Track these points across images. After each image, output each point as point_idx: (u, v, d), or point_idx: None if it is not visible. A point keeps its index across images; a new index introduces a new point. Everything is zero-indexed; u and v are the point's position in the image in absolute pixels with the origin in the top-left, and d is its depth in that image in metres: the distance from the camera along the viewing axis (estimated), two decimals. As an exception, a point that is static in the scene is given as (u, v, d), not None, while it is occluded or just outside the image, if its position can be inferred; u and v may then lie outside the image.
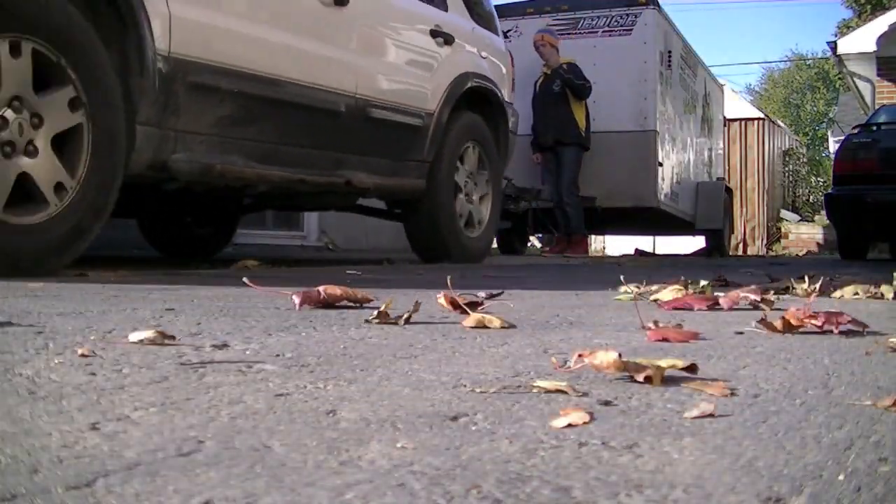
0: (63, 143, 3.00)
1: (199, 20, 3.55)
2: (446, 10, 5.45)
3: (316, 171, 4.36)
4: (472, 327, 1.82)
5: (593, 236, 16.44)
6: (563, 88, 8.54)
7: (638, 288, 2.86)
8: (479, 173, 5.68)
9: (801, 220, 19.89)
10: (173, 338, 1.49)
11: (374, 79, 4.65)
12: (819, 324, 1.79)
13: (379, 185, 4.80)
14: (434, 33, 5.17)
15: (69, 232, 2.99)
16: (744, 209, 19.10)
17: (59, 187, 2.97)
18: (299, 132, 4.23)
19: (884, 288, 2.89)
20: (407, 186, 5.03)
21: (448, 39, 5.27)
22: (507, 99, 5.97)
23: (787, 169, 22.05)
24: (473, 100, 5.51)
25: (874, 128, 9.00)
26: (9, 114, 2.85)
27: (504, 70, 6.02)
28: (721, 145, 14.17)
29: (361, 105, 4.52)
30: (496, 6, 6.72)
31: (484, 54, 5.72)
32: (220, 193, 4.55)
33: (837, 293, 2.92)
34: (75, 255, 3.07)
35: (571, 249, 8.94)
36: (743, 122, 19.63)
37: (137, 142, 3.35)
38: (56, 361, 1.26)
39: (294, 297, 2.09)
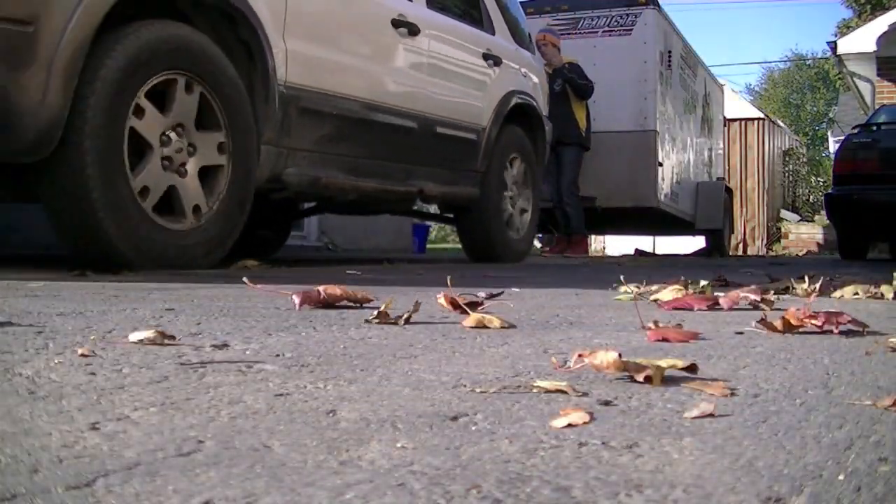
0: (206, 174, 3.62)
1: (308, 53, 4.16)
2: (494, 33, 6.07)
3: (395, 181, 5.00)
4: (472, 327, 1.82)
5: (593, 236, 16.44)
6: (564, 88, 8.52)
7: (638, 288, 2.86)
8: (521, 181, 6.29)
9: (801, 220, 19.88)
10: (173, 338, 1.49)
11: (439, 99, 5.26)
12: (819, 324, 1.79)
13: (443, 193, 5.46)
14: (486, 56, 5.80)
15: (210, 240, 3.61)
16: (744, 209, 19.10)
17: (196, 209, 3.57)
18: (381, 147, 4.84)
19: (884, 288, 2.89)
20: (464, 194, 5.66)
21: (497, 61, 5.90)
22: (543, 112, 6.58)
23: (787, 169, 22.05)
24: (516, 114, 6.10)
25: (874, 128, 9.00)
26: (173, 135, 3.46)
27: (540, 85, 6.62)
28: (721, 145, 14.17)
29: (430, 123, 5.15)
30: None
31: (524, 72, 6.34)
32: (280, 199, 4.84)
33: (837, 293, 2.92)
34: (215, 261, 3.66)
35: (571, 249, 8.93)
36: (743, 122, 19.63)
37: (261, 159, 3.97)
38: (56, 361, 1.26)
39: (294, 297, 2.09)
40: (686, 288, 2.69)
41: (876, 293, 2.87)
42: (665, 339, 1.65)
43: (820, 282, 2.99)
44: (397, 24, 4.79)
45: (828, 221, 11.23)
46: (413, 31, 4.91)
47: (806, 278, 3.10)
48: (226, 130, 3.65)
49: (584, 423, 0.94)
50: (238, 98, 3.72)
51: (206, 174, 3.60)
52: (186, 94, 3.49)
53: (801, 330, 1.80)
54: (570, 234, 9.00)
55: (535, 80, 6.51)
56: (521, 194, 6.29)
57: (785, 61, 48.63)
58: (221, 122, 3.64)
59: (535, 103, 6.33)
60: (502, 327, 1.82)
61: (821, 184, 21.84)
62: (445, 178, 5.41)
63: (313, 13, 4.20)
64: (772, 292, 2.72)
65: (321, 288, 2.15)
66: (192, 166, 3.52)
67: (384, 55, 4.78)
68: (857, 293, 2.88)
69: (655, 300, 2.55)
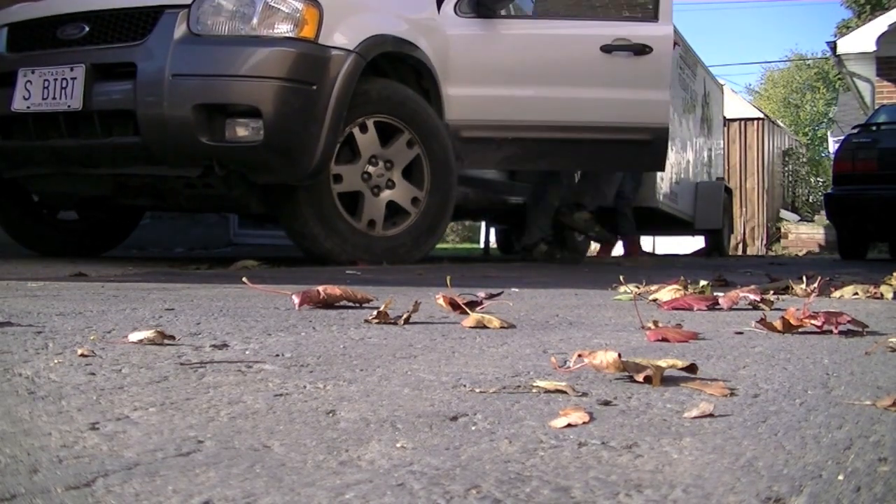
0: (411, 173, 4.57)
1: (454, 95, 5.18)
2: None
3: (506, 194, 6.35)
4: (472, 327, 1.81)
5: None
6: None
7: (637, 288, 2.86)
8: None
9: (801, 220, 19.88)
10: (173, 338, 1.49)
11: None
12: (819, 324, 1.79)
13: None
14: None
15: (411, 242, 4.58)
16: (744, 209, 19.08)
17: (414, 200, 4.58)
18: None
19: (883, 288, 2.89)
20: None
21: None
22: None
23: (786, 169, 22.04)
24: None
25: (874, 128, 8.99)
26: (371, 169, 4.43)
27: None
28: (721, 145, 14.14)
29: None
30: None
31: None
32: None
33: (837, 293, 2.91)
34: (416, 258, 4.57)
35: (629, 252, 8.69)
36: (743, 122, 19.62)
37: None
38: (56, 361, 1.26)
39: (294, 297, 2.09)
40: (685, 288, 2.69)
41: (876, 293, 2.87)
42: (665, 339, 1.65)
43: (818, 281, 2.98)
44: None
45: (828, 221, 11.22)
46: None
47: (804, 278, 3.10)
48: (426, 192, 4.61)
49: (584, 423, 0.94)
50: (445, 169, 4.69)
51: (395, 209, 4.51)
52: (407, 147, 4.53)
53: (800, 330, 1.80)
54: (625, 236, 8.79)
55: None
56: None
57: (785, 61, 48.62)
58: (424, 185, 4.60)
59: None
60: (502, 327, 1.82)
61: (821, 184, 21.84)
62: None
63: (463, 65, 5.38)
64: (771, 292, 2.72)
65: (321, 288, 2.15)
66: (385, 195, 4.48)
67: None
68: (856, 293, 2.88)
69: (655, 300, 2.55)
